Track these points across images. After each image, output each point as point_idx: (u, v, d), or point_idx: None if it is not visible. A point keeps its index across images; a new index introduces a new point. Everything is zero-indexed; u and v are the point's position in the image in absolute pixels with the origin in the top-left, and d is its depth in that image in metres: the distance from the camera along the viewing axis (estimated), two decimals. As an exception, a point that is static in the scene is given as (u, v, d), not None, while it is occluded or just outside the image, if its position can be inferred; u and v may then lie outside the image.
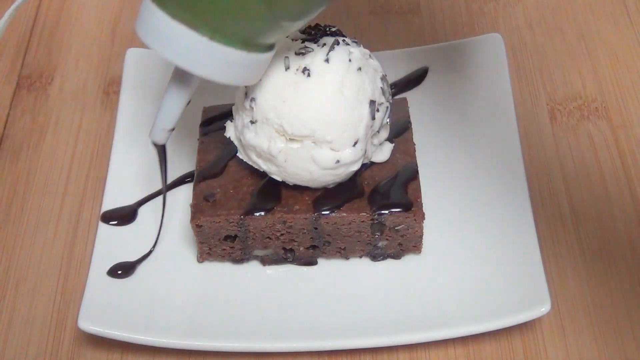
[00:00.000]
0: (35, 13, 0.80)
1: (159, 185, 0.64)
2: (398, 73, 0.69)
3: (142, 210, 0.64)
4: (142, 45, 0.74)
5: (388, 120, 0.59)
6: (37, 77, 0.74)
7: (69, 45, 0.77)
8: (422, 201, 0.58)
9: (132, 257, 0.60)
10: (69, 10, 0.80)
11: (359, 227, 0.59)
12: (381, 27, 0.77)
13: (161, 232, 0.62)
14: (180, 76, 0.52)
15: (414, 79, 0.70)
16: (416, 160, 0.61)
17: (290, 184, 0.58)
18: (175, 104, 0.53)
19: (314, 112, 0.55)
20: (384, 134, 0.60)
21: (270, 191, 0.59)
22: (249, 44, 0.50)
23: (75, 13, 0.80)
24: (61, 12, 0.80)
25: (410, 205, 0.58)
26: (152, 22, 0.49)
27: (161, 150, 0.58)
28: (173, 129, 0.55)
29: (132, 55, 0.71)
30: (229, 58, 0.49)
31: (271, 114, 0.56)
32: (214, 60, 0.49)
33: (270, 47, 0.51)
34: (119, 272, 0.60)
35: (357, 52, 0.57)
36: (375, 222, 0.58)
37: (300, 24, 0.51)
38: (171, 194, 0.64)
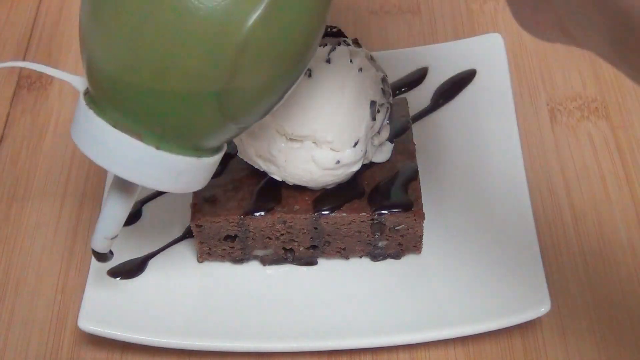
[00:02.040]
0: (35, 13, 0.80)
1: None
2: (398, 73, 0.69)
3: (142, 210, 0.64)
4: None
5: (388, 121, 0.59)
6: (37, 77, 0.74)
7: (69, 45, 0.77)
8: (422, 201, 0.59)
9: (132, 257, 0.60)
10: (69, 10, 0.80)
11: (359, 227, 0.59)
12: (381, 27, 0.77)
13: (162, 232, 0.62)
14: (122, 184, 0.49)
15: (414, 79, 0.70)
16: (416, 160, 0.61)
17: (290, 184, 0.58)
18: (118, 212, 0.50)
19: (314, 112, 0.55)
20: (384, 134, 0.60)
21: (270, 191, 0.59)
22: (199, 149, 0.46)
23: (75, 13, 0.79)
24: (61, 12, 0.80)
25: (410, 205, 0.58)
26: (90, 130, 0.45)
27: (103, 258, 0.53)
28: (116, 237, 0.51)
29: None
30: (177, 166, 0.45)
31: (271, 114, 0.56)
32: (161, 169, 0.45)
33: (220, 148, 0.48)
34: (119, 272, 0.60)
35: (358, 52, 0.57)
36: (375, 222, 0.58)
37: (252, 124, 0.47)
38: (171, 194, 0.64)
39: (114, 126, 0.44)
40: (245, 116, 0.45)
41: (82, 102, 0.46)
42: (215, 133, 0.46)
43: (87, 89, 0.47)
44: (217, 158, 0.48)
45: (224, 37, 0.41)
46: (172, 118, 0.44)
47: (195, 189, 0.48)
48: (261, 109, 0.46)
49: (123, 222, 0.51)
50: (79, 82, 0.48)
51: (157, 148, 0.44)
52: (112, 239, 0.51)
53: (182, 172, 0.46)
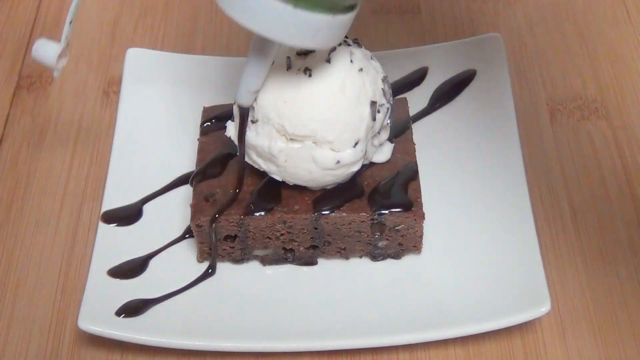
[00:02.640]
0: (35, 13, 0.80)
1: (158, 185, 0.65)
2: (398, 73, 0.69)
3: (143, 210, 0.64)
4: (142, 45, 0.75)
5: (389, 122, 0.59)
6: (37, 77, 0.74)
7: (69, 45, 0.77)
8: (422, 201, 0.59)
9: (132, 257, 0.60)
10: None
11: (359, 227, 0.59)
12: (381, 27, 0.77)
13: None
14: (262, 42, 0.51)
15: (414, 79, 0.70)
16: (416, 160, 0.61)
17: (290, 184, 0.58)
18: (259, 68, 0.53)
19: (315, 112, 0.55)
20: (385, 135, 0.60)
21: (270, 191, 0.59)
22: (334, 7, 0.48)
23: (75, 13, 0.80)
24: (61, 12, 0.80)
25: (410, 205, 0.58)
26: None
27: (245, 112, 0.56)
28: (258, 90, 0.55)
29: (132, 55, 0.71)
30: (314, 24, 0.48)
31: (272, 114, 0.56)
32: (299, 27, 0.48)
33: (353, 7, 0.50)
34: (120, 272, 0.60)
35: (359, 53, 0.57)
36: (375, 222, 0.58)
37: None
38: (171, 194, 0.64)
39: None
40: None
41: None
42: None
43: None
44: (351, 16, 0.49)
45: None
46: None
47: (332, 45, 0.51)
48: None
49: (264, 77, 0.54)
50: None
51: (295, 6, 0.47)
52: (255, 92, 0.55)
53: (318, 30, 0.48)
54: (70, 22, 0.55)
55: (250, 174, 0.60)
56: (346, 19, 0.49)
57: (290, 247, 0.60)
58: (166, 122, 0.68)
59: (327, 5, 0.48)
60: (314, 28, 0.48)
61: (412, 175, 0.60)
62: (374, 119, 0.57)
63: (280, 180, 0.58)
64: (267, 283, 0.60)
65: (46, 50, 0.57)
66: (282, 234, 0.59)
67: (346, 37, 0.58)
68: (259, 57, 0.53)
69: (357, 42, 0.59)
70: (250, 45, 0.53)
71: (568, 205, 0.64)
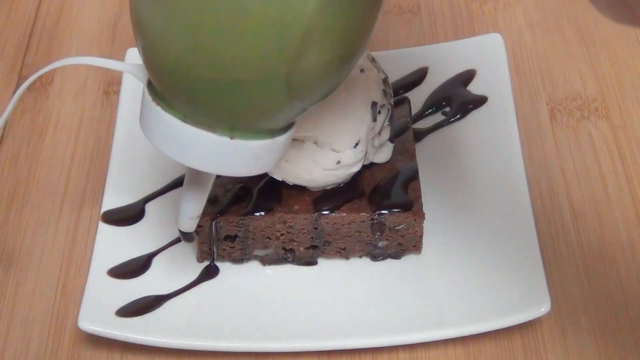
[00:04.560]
0: (35, 13, 0.80)
1: (158, 184, 0.64)
2: (398, 73, 0.69)
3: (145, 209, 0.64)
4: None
5: (389, 123, 0.59)
6: (37, 77, 0.74)
7: (69, 45, 0.77)
8: (422, 201, 0.59)
9: (131, 257, 0.60)
10: (69, 10, 0.80)
11: (359, 227, 0.59)
12: (381, 27, 0.77)
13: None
14: (199, 172, 0.49)
15: (414, 79, 0.70)
16: (416, 160, 0.61)
17: (290, 184, 0.58)
18: (197, 195, 0.51)
19: (315, 113, 0.55)
20: (385, 135, 0.60)
21: (270, 191, 0.59)
22: (272, 130, 0.46)
23: (75, 13, 0.80)
24: (61, 12, 0.80)
25: (410, 205, 0.58)
26: (159, 126, 0.45)
27: (190, 237, 0.55)
28: (199, 215, 0.53)
29: (132, 55, 0.71)
30: (253, 151, 0.45)
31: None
32: (238, 157, 0.45)
33: (293, 124, 0.48)
34: (120, 272, 0.60)
35: (359, 53, 0.57)
36: (375, 222, 0.58)
37: (322, 98, 0.47)
38: (171, 194, 0.64)
39: (184, 120, 0.44)
40: (313, 94, 0.45)
41: (147, 95, 0.46)
42: (286, 113, 0.45)
43: (149, 80, 0.46)
44: (291, 133, 0.47)
45: (288, 25, 0.40)
46: (242, 105, 0.43)
47: (272, 167, 0.48)
48: (329, 83, 0.46)
49: (204, 202, 0.52)
50: (141, 73, 0.47)
51: (231, 138, 0.44)
52: (197, 217, 0.52)
53: (259, 155, 0.46)
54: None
55: (250, 174, 0.60)
56: (287, 137, 0.47)
57: (290, 247, 0.60)
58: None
59: (265, 131, 0.45)
60: (253, 155, 0.46)
61: (412, 175, 0.60)
62: (374, 119, 0.57)
63: (280, 180, 0.58)
64: (267, 283, 0.60)
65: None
66: (282, 234, 0.59)
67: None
68: (196, 187, 0.50)
69: (357, 42, 0.59)
70: (185, 175, 0.50)
71: (568, 205, 0.64)
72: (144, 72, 0.46)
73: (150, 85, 0.46)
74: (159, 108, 0.45)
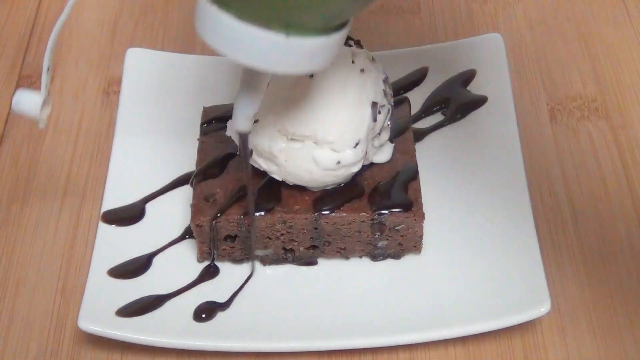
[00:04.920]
0: (35, 13, 0.80)
1: (158, 185, 0.64)
2: (398, 73, 0.69)
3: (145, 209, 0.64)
4: (142, 45, 0.75)
5: (389, 123, 0.59)
6: (37, 77, 0.74)
7: (69, 45, 0.77)
8: (422, 201, 0.59)
9: (132, 257, 0.60)
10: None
11: (359, 227, 0.59)
12: (381, 27, 0.77)
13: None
14: (254, 72, 0.49)
15: (414, 79, 0.70)
16: (416, 160, 0.61)
17: (290, 184, 0.58)
18: (253, 96, 0.51)
19: (316, 113, 0.55)
20: (385, 135, 0.60)
21: (270, 191, 0.59)
22: (327, 27, 0.45)
23: (75, 13, 0.80)
24: (61, 12, 0.80)
25: (410, 205, 0.58)
26: (215, 26, 0.44)
27: (245, 138, 0.55)
28: (255, 114, 0.52)
29: (132, 55, 0.71)
30: (308, 48, 0.45)
31: (273, 114, 0.56)
32: (293, 55, 0.45)
33: (347, 23, 0.47)
34: (120, 272, 0.60)
35: (361, 53, 0.57)
36: (375, 222, 0.58)
37: None
38: (171, 194, 0.64)
39: (240, 19, 0.43)
40: None
41: None
42: (342, 7, 0.45)
43: None
44: (345, 32, 0.47)
45: None
46: (298, 1, 0.43)
47: (328, 66, 0.48)
48: None
49: (259, 102, 0.51)
50: None
51: (287, 35, 0.44)
52: (252, 117, 0.52)
53: (314, 54, 0.46)
54: (48, 69, 0.51)
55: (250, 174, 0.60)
56: (341, 35, 0.47)
57: (290, 247, 0.60)
58: (166, 122, 0.68)
59: (320, 27, 0.45)
60: (309, 53, 0.46)
61: (412, 175, 0.60)
62: (374, 119, 0.57)
63: (281, 180, 0.58)
64: (267, 283, 0.60)
65: (28, 102, 0.53)
66: (282, 234, 0.59)
67: (348, 37, 0.58)
68: (251, 87, 0.50)
69: (359, 43, 0.59)
70: (240, 76, 0.50)
71: (568, 205, 0.64)
72: None
73: None
74: (214, 8, 0.44)
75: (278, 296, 0.59)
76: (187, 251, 0.61)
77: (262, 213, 0.58)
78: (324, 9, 0.44)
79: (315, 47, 0.45)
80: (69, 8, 0.50)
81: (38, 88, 0.73)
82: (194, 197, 0.59)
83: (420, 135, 0.66)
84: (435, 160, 0.65)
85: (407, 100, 0.66)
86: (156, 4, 0.80)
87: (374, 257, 0.61)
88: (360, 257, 0.61)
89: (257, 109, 0.52)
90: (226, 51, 0.45)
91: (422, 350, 0.57)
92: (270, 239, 0.59)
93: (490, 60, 0.69)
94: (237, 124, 0.52)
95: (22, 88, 0.53)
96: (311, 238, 0.59)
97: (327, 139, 0.55)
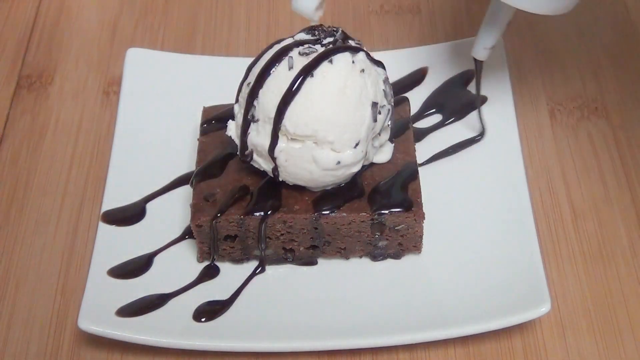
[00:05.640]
0: (35, 13, 0.80)
1: (158, 185, 0.64)
2: (398, 73, 0.69)
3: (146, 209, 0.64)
4: (142, 45, 0.75)
5: (389, 123, 0.59)
6: (37, 77, 0.74)
7: (69, 45, 0.77)
8: (422, 201, 0.59)
9: (131, 257, 0.60)
10: (69, 10, 0.80)
11: (359, 227, 0.59)
12: (381, 27, 0.77)
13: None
14: (501, 5, 0.55)
15: (414, 79, 0.70)
16: (416, 160, 0.61)
17: (290, 184, 0.58)
18: (495, 27, 0.58)
19: (316, 113, 0.55)
20: (385, 135, 0.60)
21: (270, 191, 0.59)
22: None
23: (75, 13, 0.80)
24: (61, 12, 0.80)
25: (410, 205, 0.58)
26: None
27: (480, 66, 0.62)
28: (493, 46, 0.59)
29: (132, 55, 0.71)
30: None
31: (273, 113, 0.56)
32: None
33: None
34: (120, 272, 0.60)
35: (361, 54, 0.57)
36: (375, 222, 0.58)
37: None
38: (171, 194, 0.64)
39: None
40: None
41: None
42: None
43: None
44: None
45: None
46: None
47: (566, 11, 0.55)
48: None
49: (499, 35, 0.59)
50: None
51: None
52: (491, 48, 0.60)
53: None
54: None
55: (250, 174, 0.60)
56: None
57: (290, 247, 0.60)
58: (166, 122, 0.68)
59: None
60: None
61: (412, 175, 0.60)
62: (374, 120, 0.57)
63: (280, 180, 0.58)
64: (267, 283, 0.60)
65: (306, 2, 0.58)
66: (282, 234, 0.59)
67: (349, 37, 0.58)
68: (495, 19, 0.58)
69: (359, 44, 0.59)
70: (488, 7, 0.57)
71: (568, 205, 0.64)
72: None
73: None
74: None
75: (278, 296, 0.59)
76: (187, 251, 0.61)
77: (262, 213, 0.58)
78: None
79: None
80: None
81: (38, 88, 0.74)
82: (194, 197, 0.59)
83: (420, 135, 0.66)
84: (436, 161, 0.65)
85: (407, 100, 0.66)
86: (156, 4, 0.80)
87: (374, 257, 0.61)
88: (360, 257, 0.61)
89: (496, 41, 0.59)
90: None
91: (422, 350, 0.57)
92: (270, 239, 0.59)
93: (490, 60, 0.69)
94: (476, 52, 0.61)
95: None
96: (311, 238, 0.59)
97: (327, 139, 0.55)
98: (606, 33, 0.75)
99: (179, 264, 0.61)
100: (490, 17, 0.59)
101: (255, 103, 0.56)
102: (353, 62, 0.56)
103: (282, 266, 0.61)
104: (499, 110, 0.66)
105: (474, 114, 0.67)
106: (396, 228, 0.59)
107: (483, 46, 0.60)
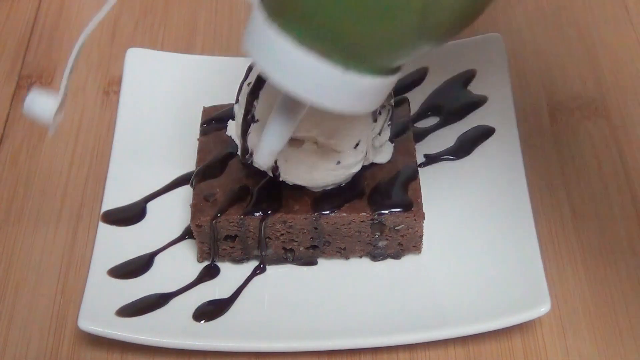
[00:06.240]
0: (35, 13, 0.80)
1: (158, 185, 0.64)
2: (398, 73, 0.69)
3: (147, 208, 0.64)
4: (142, 45, 0.75)
5: (389, 123, 0.59)
6: (37, 77, 0.74)
7: (69, 45, 0.77)
8: (422, 201, 0.59)
9: (131, 257, 0.60)
10: (69, 10, 0.80)
11: (359, 227, 0.59)
12: (381, 27, 0.77)
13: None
14: (293, 102, 0.46)
15: (414, 79, 0.70)
16: (416, 160, 0.61)
17: (290, 184, 0.58)
18: (285, 128, 0.47)
19: (316, 113, 0.55)
20: (385, 136, 0.60)
21: (270, 191, 0.59)
22: (384, 68, 0.43)
23: (75, 13, 0.80)
24: (61, 12, 0.80)
25: (410, 205, 0.58)
26: (270, 47, 0.41)
27: (274, 170, 0.55)
28: (279, 150, 0.49)
29: (132, 55, 0.71)
30: (362, 88, 0.42)
31: (273, 114, 0.55)
32: (345, 92, 0.42)
33: (401, 67, 0.45)
34: (120, 272, 0.60)
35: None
36: (375, 222, 0.58)
37: (444, 42, 0.44)
38: (171, 194, 0.64)
39: (298, 44, 0.40)
40: (442, 32, 0.42)
41: (259, 13, 0.42)
42: (409, 49, 0.42)
43: None
44: (399, 75, 0.45)
45: None
46: (369, 32, 0.39)
47: (373, 109, 0.46)
48: (461, 21, 0.42)
49: (289, 137, 0.48)
50: None
51: (345, 70, 0.41)
52: (276, 152, 0.49)
53: (366, 93, 0.43)
54: (71, 71, 0.48)
55: (250, 174, 0.60)
56: (393, 80, 0.44)
57: (290, 247, 0.60)
58: (166, 122, 0.68)
59: (378, 67, 0.42)
60: (361, 92, 0.43)
61: (412, 175, 0.60)
62: (375, 120, 0.57)
63: (281, 180, 0.58)
64: (267, 283, 0.60)
65: (42, 105, 0.49)
66: (282, 234, 0.59)
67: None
68: (286, 118, 0.47)
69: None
70: (277, 103, 0.47)
71: (568, 205, 0.64)
72: None
73: (264, 0, 0.42)
74: (273, 27, 0.41)
75: (278, 296, 0.59)
76: (187, 251, 0.61)
77: (262, 213, 0.58)
78: (392, 51, 0.42)
79: (369, 86, 0.43)
80: (103, 12, 0.49)
81: (37, 88, 0.74)
82: (194, 197, 0.59)
83: (420, 135, 0.66)
84: (436, 161, 0.65)
85: (407, 100, 0.66)
86: (156, 4, 0.80)
87: (374, 257, 0.61)
88: (360, 257, 0.61)
89: (283, 144, 0.48)
90: (276, 76, 0.42)
91: (422, 350, 0.57)
92: (270, 239, 0.59)
93: (490, 60, 0.69)
94: (259, 157, 0.49)
95: (36, 88, 0.50)
96: (311, 238, 0.59)
97: (327, 139, 0.55)
98: (606, 33, 0.75)
99: (179, 264, 0.61)
100: (281, 116, 0.47)
101: (255, 103, 0.56)
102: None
103: (282, 266, 0.61)
104: (499, 110, 0.66)
105: (474, 114, 0.67)
106: (396, 228, 0.59)
107: (269, 150, 0.48)
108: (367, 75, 0.42)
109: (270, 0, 0.42)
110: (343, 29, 0.40)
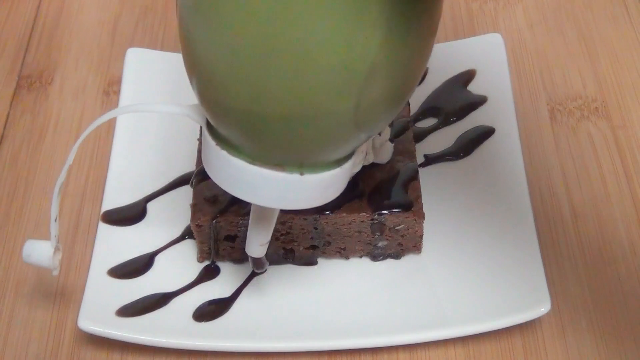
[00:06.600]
0: (35, 13, 0.80)
1: (158, 185, 0.64)
2: (398, 73, 0.69)
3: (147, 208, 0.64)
4: (142, 45, 0.75)
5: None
6: (37, 77, 0.74)
7: (69, 45, 0.77)
8: (422, 201, 0.59)
9: (131, 257, 0.60)
10: (69, 10, 0.80)
11: (359, 227, 0.59)
12: (381, 27, 0.77)
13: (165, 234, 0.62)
14: (265, 208, 0.49)
15: (414, 79, 0.70)
16: (416, 160, 0.61)
17: (290, 184, 0.58)
18: (265, 226, 0.51)
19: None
20: (385, 136, 0.60)
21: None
22: (339, 160, 0.45)
23: (75, 13, 0.80)
24: (61, 12, 0.80)
25: (410, 205, 0.58)
26: (226, 169, 0.44)
27: (260, 263, 0.56)
28: (269, 241, 0.52)
29: (132, 55, 0.71)
30: (322, 182, 0.45)
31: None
32: (308, 191, 0.45)
33: (353, 152, 0.47)
34: (120, 272, 0.60)
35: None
36: (375, 222, 0.58)
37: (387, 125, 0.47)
38: (171, 194, 0.64)
39: (252, 163, 0.43)
40: (379, 124, 0.44)
41: (209, 139, 0.45)
42: (353, 143, 0.45)
43: (208, 121, 0.45)
44: (352, 161, 0.47)
45: (354, 63, 0.39)
46: (311, 142, 0.42)
47: (340, 192, 0.48)
48: (394, 111, 0.45)
49: (272, 230, 0.51)
50: (199, 114, 0.45)
51: (301, 174, 0.44)
52: (266, 243, 0.52)
53: (328, 185, 0.45)
54: (55, 220, 0.51)
55: (250, 174, 0.60)
56: (352, 161, 0.47)
57: (290, 247, 0.60)
58: (166, 122, 0.68)
59: (333, 162, 0.45)
60: (324, 186, 0.45)
61: (412, 175, 0.60)
62: (374, 119, 0.57)
63: (280, 180, 0.58)
64: (267, 283, 0.60)
65: (39, 253, 0.52)
66: (282, 234, 0.59)
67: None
68: (262, 219, 0.50)
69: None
70: (251, 210, 0.50)
71: (568, 205, 0.64)
72: (201, 114, 0.45)
73: (210, 127, 0.45)
74: (224, 152, 0.44)
75: (278, 296, 0.59)
76: (187, 251, 0.61)
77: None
78: (339, 148, 0.44)
79: (329, 179, 0.45)
80: (73, 151, 0.50)
81: (38, 88, 0.74)
82: (194, 197, 0.59)
83: (420, 135, 0.66)
84: (436, 161, 0.65)
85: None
86: (156, 4, 0.80)
87: (374, 257, 0.61)
88: (360, 257, 0.61)
89: (270, 235, 0.52)
90: (238, 193, 0.45)
91: (422, 350, 0.57)
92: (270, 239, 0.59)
93: (490, 60, 0.69)
94: (252, 251, 0.52)
95: (30, 240, 0.53)
96: (311, 238, 0.59)
97: (327, 139, 0.55)
98: (606, 33, 0.75)
99: (179, 264, 0.61)
100: (258, 218, 0.50)
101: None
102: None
103: (282, 266, 0.61)
104: (499, 110, 0.66)
105: (474, 114, 0.67)
106: (396, 228, 0.59)
107: (259, 243, 0.52)
108: (323, 172, 0.45)
109: (215, 131, 0.44)
110: (286, 143, 0.42)
